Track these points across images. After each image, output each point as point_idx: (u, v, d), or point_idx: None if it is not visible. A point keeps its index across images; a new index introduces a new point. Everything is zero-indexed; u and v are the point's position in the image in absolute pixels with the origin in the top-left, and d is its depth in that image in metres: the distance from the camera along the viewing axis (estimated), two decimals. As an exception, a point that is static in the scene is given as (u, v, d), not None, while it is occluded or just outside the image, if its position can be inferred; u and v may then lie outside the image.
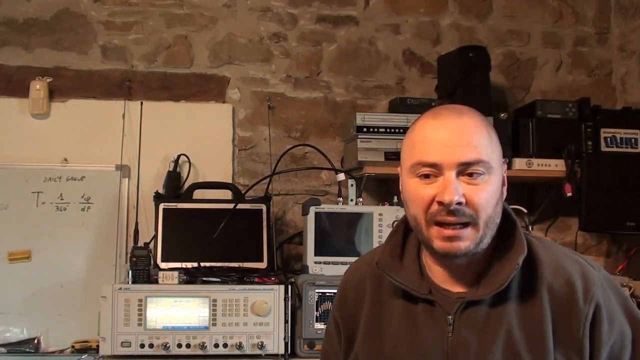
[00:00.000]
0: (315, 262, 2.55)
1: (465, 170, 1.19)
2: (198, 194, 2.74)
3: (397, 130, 2.65)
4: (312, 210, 2.57)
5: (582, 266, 1.25)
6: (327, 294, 2.42)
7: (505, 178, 1.27)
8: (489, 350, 1.20)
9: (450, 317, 1.24)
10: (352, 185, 2.82)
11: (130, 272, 2.42)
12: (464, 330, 1.22)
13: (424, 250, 1.30)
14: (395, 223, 1.40)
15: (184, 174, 2.84)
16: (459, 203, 1.17)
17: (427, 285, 1.28)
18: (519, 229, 1.27)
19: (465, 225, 1.19)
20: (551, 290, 1.22)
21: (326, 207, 2.60)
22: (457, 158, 1.18)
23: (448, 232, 1.18)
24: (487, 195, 1.19)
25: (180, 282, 2.40)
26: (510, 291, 1.23)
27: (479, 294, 1.23)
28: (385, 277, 1.30)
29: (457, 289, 1.26)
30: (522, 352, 1.19)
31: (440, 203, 1.18)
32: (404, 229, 1.35)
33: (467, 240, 1.19)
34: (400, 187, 1.29)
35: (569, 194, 2.71)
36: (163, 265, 2.57)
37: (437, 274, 1.28)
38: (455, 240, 1.19)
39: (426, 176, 1.21)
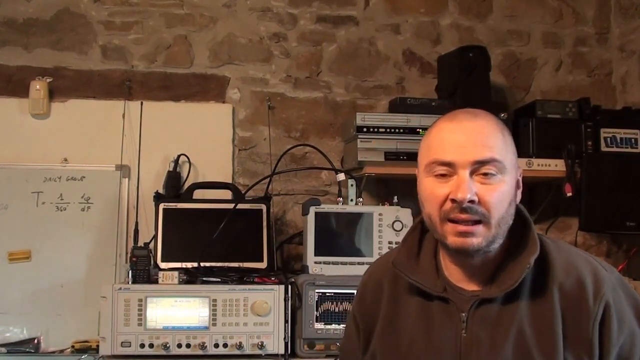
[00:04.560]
0: (315, 262, 2.55)
1: (479, 169, 1.22)
2: (198, 194, 2.74)
3: (397, 130, 2.65)
4: (312, 210, 2.57)
5: (593, 266, 1.28)
6: (327, 294, 2.42)
7: (520, 181, 1.30)
8: (500, 347, 1.23)
9: (463, 314, 1.27)
10: (352, 185, 2.82)
11: (130, 272, 2.42)
12: (476, 328, 1.25)
13: (441, 249, 1.33)
14: (412, 224, 1.43)
15: (184, 174, 2.84)
16: (472, 201, 1.20)
17: (442, 284, 1.31)
18: (533, 230, 1.30)
19: (477, 222, 1.21)
20: (562, 289, 1.25)
21: (326, 207, 2.60)
22: (471, 157, 1.22)
23: (461, 227, 1.22)
24: (500, 195, 1.22)
25: (180, 282, 2.40)
26: (523, 289, 1.25)
27: (492, 292, 1.26)
28: (401, 276, 1.34)
29: (471, 287, 1.29)
30: (532, 350, 1.22)
31: (453, 201, 1.22)
32: (421, 230, 1.39)
33: (479, 237, 1.22)
34: (417, 189, 1.32)
35: (569, 194, 2.71)
36: (163, 265, 2.57)
37: (453, 273, 1.31)
38: (469, 236, 1.22)
39: (442, 175, 1.24)
